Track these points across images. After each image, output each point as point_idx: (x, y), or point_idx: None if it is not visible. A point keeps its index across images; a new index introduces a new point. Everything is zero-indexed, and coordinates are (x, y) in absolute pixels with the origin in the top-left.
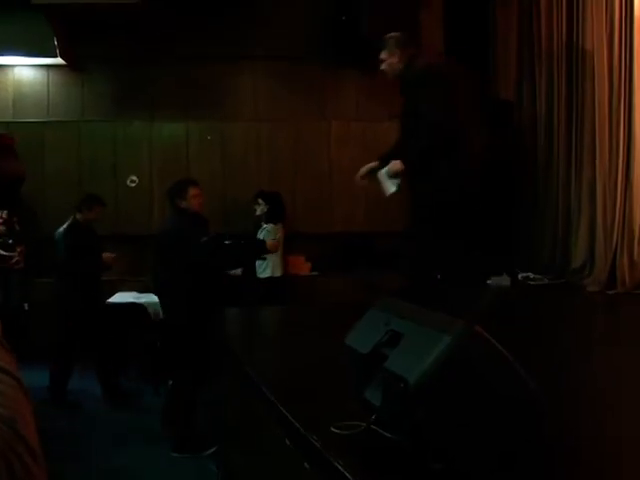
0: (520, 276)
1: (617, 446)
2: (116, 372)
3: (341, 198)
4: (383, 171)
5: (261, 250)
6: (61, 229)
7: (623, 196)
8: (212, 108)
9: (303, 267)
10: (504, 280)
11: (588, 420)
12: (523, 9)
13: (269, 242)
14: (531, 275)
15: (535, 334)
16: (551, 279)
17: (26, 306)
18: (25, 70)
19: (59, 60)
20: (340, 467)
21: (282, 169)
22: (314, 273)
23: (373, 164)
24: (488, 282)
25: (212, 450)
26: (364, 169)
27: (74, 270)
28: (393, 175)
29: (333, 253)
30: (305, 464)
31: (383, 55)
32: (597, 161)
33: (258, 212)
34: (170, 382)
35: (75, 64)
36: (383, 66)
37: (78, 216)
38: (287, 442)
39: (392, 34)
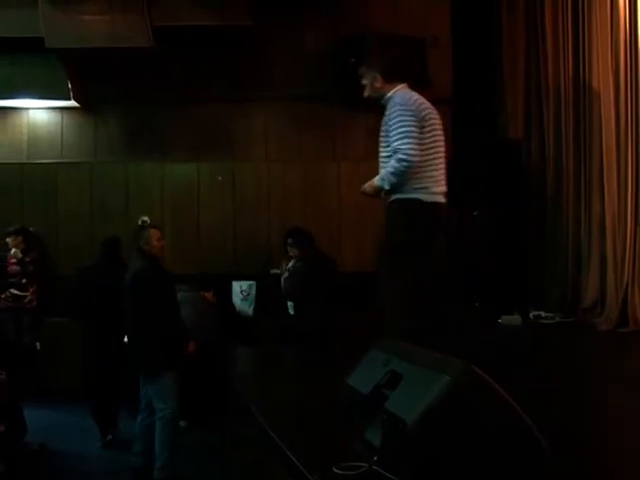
0: (531, 315)
1: None
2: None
3: (350, 238)
4: None
5: None
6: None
7: (633, 233)
8: (223, 149)
9: None
10: (515, 319)
11: (594, 461)
12: (530, 50)
13: None
14: (542, 314)
15: (546, 374)
16: (562, 318)
17: (38, 345)
18: (39, 113)
19: (73, 102)
20: None
21: (292, 209)
22: None
23: None
24: (499, 321)
25: None
26: None
27: None
28: None
29: (343, 293)
30: None
31: None
32: (606, 198)
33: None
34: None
35: (88, 106)
36: None
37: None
38: None
39: None
